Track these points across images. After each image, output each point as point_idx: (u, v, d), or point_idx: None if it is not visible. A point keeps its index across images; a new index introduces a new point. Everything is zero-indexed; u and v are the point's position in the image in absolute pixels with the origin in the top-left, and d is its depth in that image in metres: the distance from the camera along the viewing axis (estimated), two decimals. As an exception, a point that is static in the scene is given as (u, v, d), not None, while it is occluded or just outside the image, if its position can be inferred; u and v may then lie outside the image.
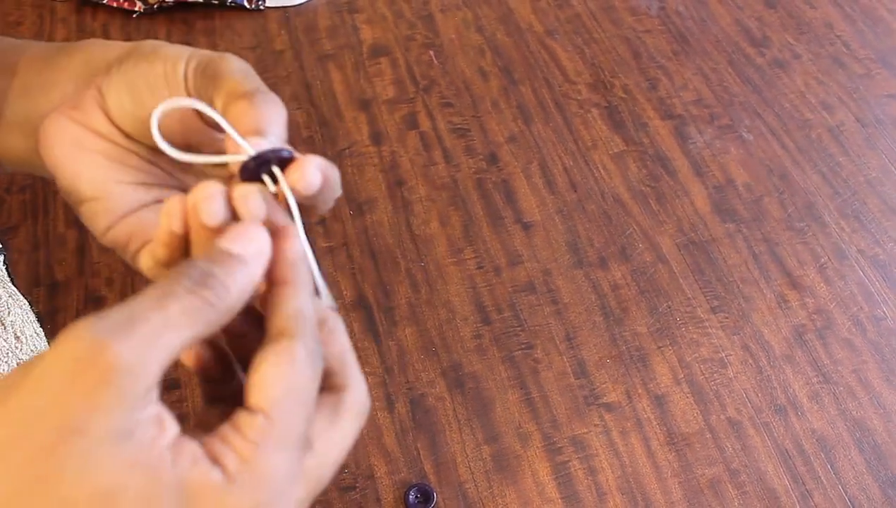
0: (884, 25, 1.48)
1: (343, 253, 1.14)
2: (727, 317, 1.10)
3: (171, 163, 0.44)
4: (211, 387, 0.37)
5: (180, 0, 1.46)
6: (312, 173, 0.37)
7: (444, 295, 1.11)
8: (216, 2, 1.45)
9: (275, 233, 0.36)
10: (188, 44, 0.47)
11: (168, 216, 0.38)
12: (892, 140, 1.31)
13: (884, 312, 1.12)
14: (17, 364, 0.50)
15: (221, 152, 0.41)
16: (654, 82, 1.38)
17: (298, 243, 0.36)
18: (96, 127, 0.42)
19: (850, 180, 1.26)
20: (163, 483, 0.29)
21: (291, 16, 1.46)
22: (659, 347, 1.08)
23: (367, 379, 1.04)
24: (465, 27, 1.45)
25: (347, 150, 1.27)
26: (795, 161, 1.28)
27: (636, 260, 1.16)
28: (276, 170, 0.37)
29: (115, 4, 1.47)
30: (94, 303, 1.10)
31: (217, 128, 0.40)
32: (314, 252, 0.39)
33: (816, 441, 1.00)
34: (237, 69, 0.40)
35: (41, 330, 0.55)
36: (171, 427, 0.30)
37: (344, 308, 1.09)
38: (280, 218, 0.37)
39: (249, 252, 0.34)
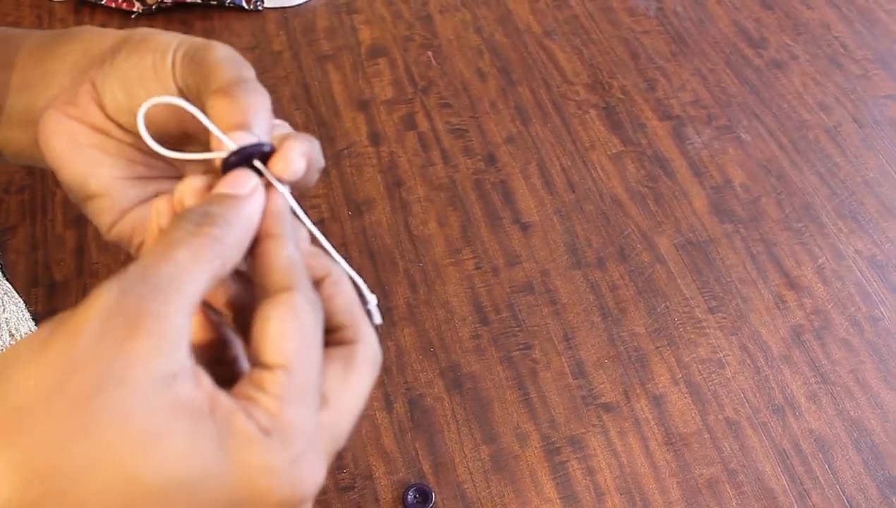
0: (881, 26, 1.49)
1: (341, 253, 1.14)
2: (725, 318, 1.11)
3: (183, 137, 0.44)
4: (214, 369, 0.37)
5: (179, 1, 1.46)
6: (296, 161, 0.38)
7: (443, 296, 1.11)
8: (214, 2, 1.46)
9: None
10: (187, 44, 0.47)
11: (158, 215, 0.38)
12: (889, 141, 1.31)
13: (881, 312, 1.12)
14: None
15: (203, 140, 0.41)
16: (652, 83, 1.38)
17: (281, 197, 0.37)
18: (92, 122, 0.42)
19: (848, 181, 1.26)
20: (206, 431, 0.29)
21: (290, 16, 1.46)
22: (657, 347, 1.08)
23: (366, 380, 1.04)
24: (464, 28, 1.45)
25: (346, 151, 1.27)
26: (793, 161, 1.28)
27: (634, 260, 1.16)
28: (258, 163, 0.37)
29: (113, 5, 1.47)
30: (92, 304, 1.10)
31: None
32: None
33: (814, 441, 1.01)
34: (222, 58, 0.39)
35: (36, 328, 0.55)
36: (206, 380, 0.30)
37: (342, 308, 1.09)
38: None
39: (245, 190, 0.35)
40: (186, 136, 0.42)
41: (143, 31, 0.42)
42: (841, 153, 1.30)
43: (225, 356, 0.37)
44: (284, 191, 0.37)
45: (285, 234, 0.36)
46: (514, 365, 1.06)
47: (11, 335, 0.50)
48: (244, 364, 0.37)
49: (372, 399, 1.02)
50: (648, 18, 1.49)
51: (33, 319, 0.56)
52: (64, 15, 1.47)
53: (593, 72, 1.40)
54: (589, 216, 1.21)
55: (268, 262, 0.35)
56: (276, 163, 0.38)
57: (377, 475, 0.97)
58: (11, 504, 0.26)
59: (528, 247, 1.17)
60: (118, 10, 1.47)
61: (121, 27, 1.45)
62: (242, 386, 0.32)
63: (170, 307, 0.29)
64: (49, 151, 0.42)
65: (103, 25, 1.45)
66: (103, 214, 0.42)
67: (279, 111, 1.26)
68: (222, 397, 0.30)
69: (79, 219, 1.18)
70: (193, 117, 0.41)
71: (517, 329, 1.09)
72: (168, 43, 0.41)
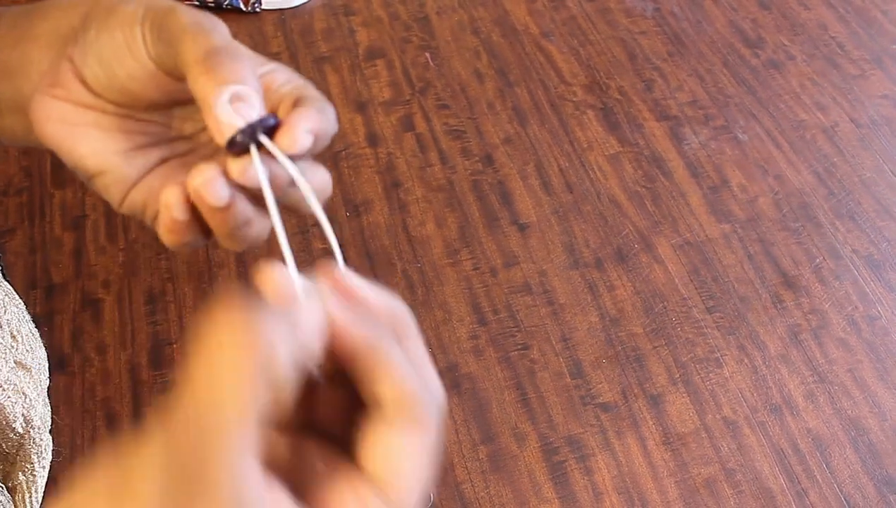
0: (877, 26, 1.49)
1: (339, 254, 1.14)
2: (722, 317, 1.11)
3: (164, 116, 0.43)
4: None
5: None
6: (302, 136, 0.37)
7: (441, 297, 1.12)
8: (212, 4, 1.46)
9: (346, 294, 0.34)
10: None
11: (167, 207, 0.38)
12: (886, 140, 1.32)
13: (878, 312, 1.12)
14: (14, 362, 0.50)
15: (193, 101, 0.41)
16: (650, 83, 1.38)
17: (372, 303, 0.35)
18: (80, 100, 0.41)
19: (845, 180, 1.26)
20: None
21: (287, 18, 1.46)
22: (654, 347, 1.08)
23: (364, 380, 1.04)
24: (461, 29, 1.46)
25: (343, 152, 1.27)
26: (790, 161, 1.28)
27: (632, 260, 1.16)
28: (264, 139, 0.36)
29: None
30: (91, 306, 1.10)
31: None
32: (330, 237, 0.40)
33: (812, 440, 1.01)
34: (188, 25, 0.38)
35: (36, 330, 0.55)
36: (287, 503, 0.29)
37: (340, 309, 1.10)
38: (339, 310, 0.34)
39: (293, 302, 0.32)
40: (170, 101, 0.42)
41: (105, 2, 0.41)
42: (838, 153, 1.30)
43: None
44: (290, 165, 0.37)
45: (390, 349, 0.33)
46: (512, 366, 1.06)
47: (13, 337, 0.51)
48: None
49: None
50: (645, 19, 1.49)
51: (34, 322, 0.56)
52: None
53: (591, 72, 1.40)
54: (587, 216, 1.21)
55: (380, 378, 0.32)
56: (282, 137, 0.37)
57: (375, 475, 0.97)
58: None
59: (526, 247, 1.17)
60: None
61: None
62: (342, 490, 0.30)
63: (226, 457, 0.27)
64: (44, 136, 0.41)
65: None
66: (111, 190, 0.42)
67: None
68: None
69: (77, 222, 1.18)
70: (175, 83, 0.40)
71: (515, 329, 1.09)
72: (134, 15, 0.40)
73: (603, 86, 1.38)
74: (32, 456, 0.54)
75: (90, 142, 0.41)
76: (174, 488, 0.27)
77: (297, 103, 0.39)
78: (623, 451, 0.99)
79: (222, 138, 0.36)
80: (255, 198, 0.39)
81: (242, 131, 0.36)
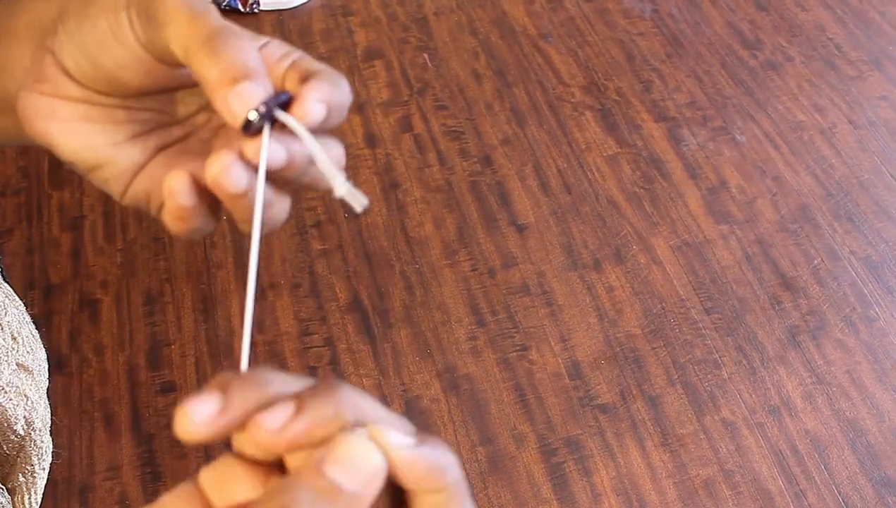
0: (875, 27, 1.49)
1: (338, 255, 1.14)
2: (721, 319, 1.11)
3: (156, 101, 0.42)
4: None
5: (174, 3, 1.46)
6: (314, 107, 0.37)
7: (439, 298, 1.12)
8: (210, 5, 1.46)
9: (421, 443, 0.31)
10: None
11: (173, 194, 0.37)
12: (883, 141, 1.32)
13: (876, 313, 1.12)
14: (16, 364, 0.50)
15: (185, 85, 0.40)
16: (648, 85, 1.39)
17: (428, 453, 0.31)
18: (68, 94, 0.40)
19: (843, 182, 1.27)
20: None
21: (286, 19, 1.46)
22: (653, 348, 1.08)
23: (362, 381, 1.04)
24: (459, 30, 1.46)
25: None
26: (788, 163, 1.29)
27: (630, 261, 1.16)
28: (279, 114, 0.36)
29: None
30: (89, 306, 1.10)
31: (181, 64, 0.39)
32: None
33: (810, 441, 1.01)
34: (180, 7, 0.37)
35: (37, 331, 0.55)
36: None
37: (339, 310, 1.10)
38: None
39: (358, 483, 0.29)
40: (161, 87, 0.41)
41: None
42: (836, 154, 1.30)
43: None
44: (307, 136, 0.37)
45: (453, 489, 0.31)
46: (510, 367, 1.06)
47: (14, 338, 0.50)
48: None
49: (369, 400, 1.02)
50: (644, 20, 1.49)
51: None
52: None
53: (589, 74, 1.40)
54: (585, 218, 1.21)
55: None
56: (297, 110, 0.36)
57: (374, 476, 0.97)
58: None
59: (525, 248, 1.17)
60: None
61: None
62: None
63: None
64: (36, 134, 0.40)
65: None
66: (111, 183, 0.41)
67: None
68: None
69: (74, 222, 1.18)
70: (166, 69, 0.40)
71: (513, 330, 1.09)
72: (117, 1, 0.38)
73: (601, 87, 1.38)
74: (33, 458, 0.54)
75: (83, 137, 0.40)
76: None
77: (306, 77, 0.39)
78: (622, 452, 1.00)
79: (237, 122, 0.36)
80: (273, 180, 0.39)
81: (257, 111, 0.35)
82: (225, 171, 0.36)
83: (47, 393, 0.55)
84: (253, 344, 1.06)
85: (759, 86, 1.39)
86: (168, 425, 1.00)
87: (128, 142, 0.41)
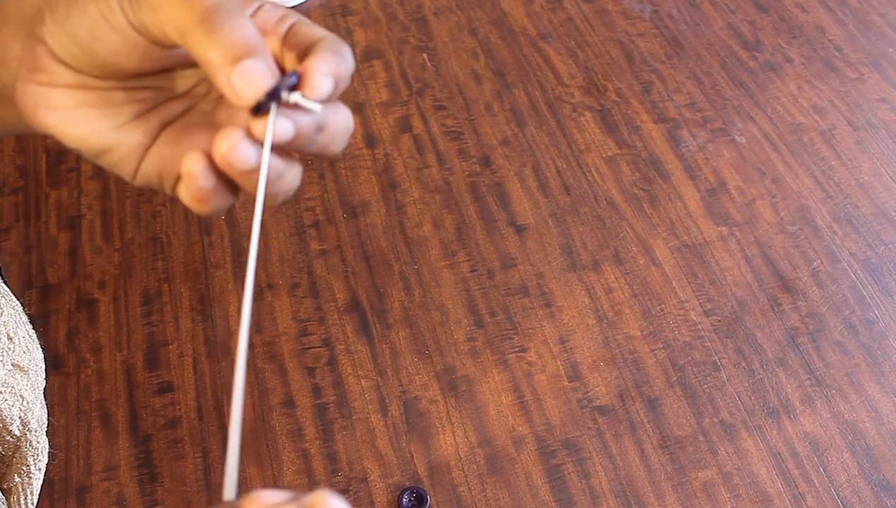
0: (875, 29, 1.49)
1: (336, 255, 1.14)
2: (720, 320, 1.11)
3: (154, 79, 0.42)
4: None
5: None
6: (322, 82, 0.36)
7: (438, 298, 1.11)
8: (209, 4, 1.45)
9: None
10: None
11: (192, 178, 0.37)
12: (883, 143, 1.32)
13: (876, 315, 1.12)
14: (11, 365, 0.50)
15: (183, 65, 0.39)
16: (648, 86, 1.38)
17: None
18: (65, 81, 0.39)
19: (843, 184, 1.26)
20: None
21: (285, 18, 1.46)
22: (652, 350, 1.08)
23: (361, 382, 1.04)
24: (459, 30, 1.45)
25: (340, 153, 1.27)
26: (788, 164, 1.28)
27: (629, 263, 1.16)
28: (287, 96, 0.36)
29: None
30: (86, 306, 1.09)
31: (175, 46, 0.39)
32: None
33: (809, 444, 1.01)
34: None
35: (33, 331, 0.55)
36: None
37: (337, 311, 1.09)
38: None
39: None
40: (159, 68, 0.40)
41: None
42: (835, 156, 1.30)
43: None
44: (317, 108, 0.37)
45: None
46: (509, 368, 1.06)
47: (10, 338, 0.50)
48: None
49: (367, 402, 1.02)
50: (643, 21, 1.49)
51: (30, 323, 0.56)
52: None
53: (588, 74, 1.40)
54: (584, 218, 1.21)
55: None
56: (305, 87, 0.37)
57: (372, 478, 0.96)
58: None
59: (524, 249, 1.17)
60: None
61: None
62: None
63: None
64: (37, 125, 0.40)
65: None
66: (120, 166, 0.41)
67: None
68: None
69: (72, 221, 1.18)
70: (162, 51, 0.39)
71: (512, 331, 1.09)
72: None
73: (600, 88, 1.38)
74: (28, 458, 0.54)
75: (85, 123, 0.40)
76: None
77: (307, 46, 0.38)
78: (620, 454, 0.99)
79: (243, 103, 0.36)
80: (281, 151, 0.39)
81: (267, 94, 0.36)
82: (233, 149, 0.36)
83: (44, 393, 0.54)
84: (251, 345, 1.06)
85: (759, 88, 1.39)
86: (166, 425, 1.00)
87: (130, 123, 0.40)
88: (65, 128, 0.39)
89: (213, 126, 0.39)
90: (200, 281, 1.12)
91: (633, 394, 1.04)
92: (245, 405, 0.99)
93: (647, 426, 1.02)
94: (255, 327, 1.08)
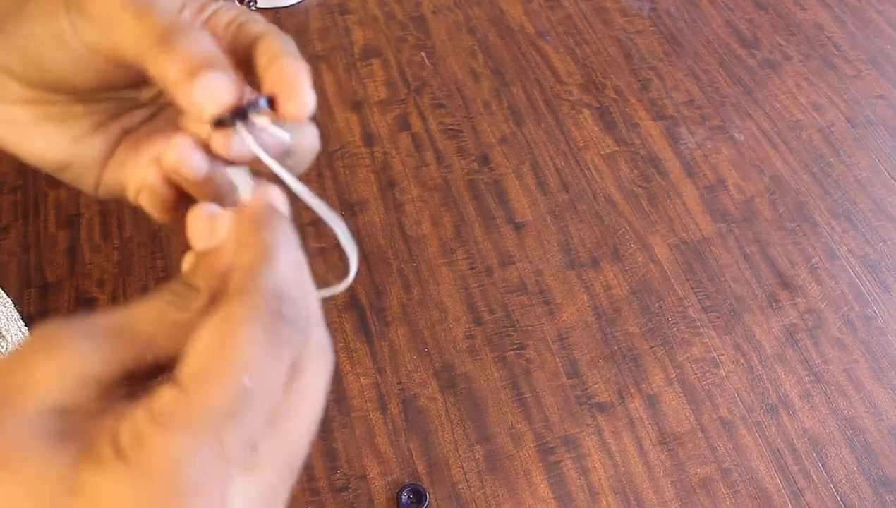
0: (873, 26, 1.49)
1: (335, 254, 1.14)
2: (719, 317, 1.11)
3: (115, 92, 0.41)
4: None
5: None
6: (309, 99, 0.35)
7: (436, 296, 1.11)
8: (207, 3, 1.45)
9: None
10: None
11: (149, 189, 0.36)
12: (881, 140, 1.32)
13: (874, 311, 1.12)
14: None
15: (141, 83, 0.38)
16: (646, 83, 1.38)
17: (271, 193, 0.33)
18: (20, 97, 0.38)
19: (841, 180, 1.26)
20: (59, 455, 0.26)
21: (283, 17, 1.46)
22: (651, 347, 1.08)
23: (360, 380, 1.04)
24: (457, 28, 1.45)
25: (339, 151, 1.27)
26: (786, 161, 1.28)
27: (628, 260, 1.16)
28: (256, 118, 0.34)
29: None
30: (85, 304, 1.09)
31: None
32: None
33: (808, 440, 1.01)
34: (123, 3, 0.34)
35: (26, 328, 0.54)
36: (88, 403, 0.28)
37: (336, 309, 1.09)
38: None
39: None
40: (115, 85, 0.39)
41: None
42: (834, 153, 1.30)
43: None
44: (286, 137, 0.35)
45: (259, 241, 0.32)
46: (508, 365, 1.06)
47: (2, 336, 0.50)
48: None
49: (366, 399, 1.02)
50: (642, 19, 1.49)
51: (23, 320, 0.55)
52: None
53: (587, 72, 1.40)
54: (583, 216, 1.21)
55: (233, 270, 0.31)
56: (288, 104, 0.35)
57: (371, 475, 0.96)
58: None
59: (522, 247, 1.17)
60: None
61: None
62: (135, 405, 0.27)
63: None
64: None
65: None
66: (81, 179, 0.39)
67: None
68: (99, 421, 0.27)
69: (71, 220, 1.18)
70: (117, 69, 0.38)
71: (511, 329, 1.09)
72: (54, 3, 0.36)
73: (599, 86, 1.38)
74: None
75: (42, 138, 0.38)
76: None
77: (278, 71, 0.37)
78: (619, 451, 0.99)
79: (205, 118, 0.34)
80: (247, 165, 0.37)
81: (230, 111, 0.34)
82: (182, 159, 0.34)
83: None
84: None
85: (758, 85, 1.39)
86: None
87: (90, 134, 0.39)
88: (24, 144, 0.38)
89: (175, 131, 0.38)
90: (199, 280, 1.12)
91: (632, 391, 1.04)
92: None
93: (646, 422, 1.02)
94: (254, 325, 1.08)
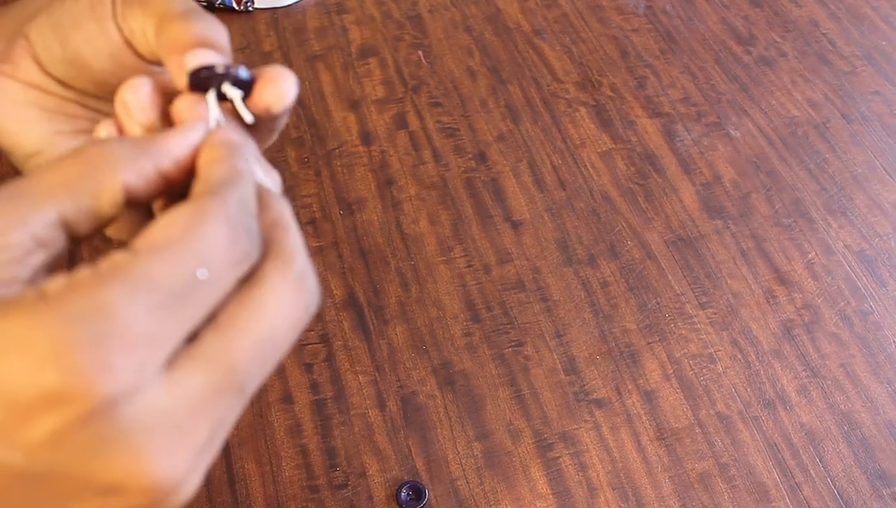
0: (868, 22, 1.50)
1: (333, 252, 1.14)
2: (716, 313, 1.11)
3: (109, 106, 0.42)
4: None
5: (168, 2, 1.46)
6: (290, 89, 0.35)
7: (434, 294, 1.12)
8: (205, 4, 1.46)
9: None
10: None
11: (128, 108, 0.37)
12: (877, 136, 1.32)
13: (871, 306, 1.12)
14: None
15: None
16: (642, 81, 1.39)
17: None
18: (28, 78, 0.40)
19: (837, 176, 1.27)
20: None
21: (280, 17, 1.46)
22: (648, 343, 1.08)
23: (359, 378, 1.04)
24: (454, 27, 1.46)
25: (337, 150, 1.27)
26: (782, 157, 1.29)
27: (625, 257, 1.17)
28: (228, 89, 0.34)
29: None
30: (84, 305, 1.09)
31: (155, 62, 0.39)
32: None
33: (805, 434, 1.01)
34: None
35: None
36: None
37: (335, 307, 1.10)
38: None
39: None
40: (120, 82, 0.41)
41: None
42: (830, 149, 1.30)
43: None
44: (249, 118, 0.35)
45: (226, 150, 0.33)
46: (505, 362, 1.06)
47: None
48: None
49: (364, 397, 1.03)
50: (637, 16, 1.49)
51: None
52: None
53: (583, 70, 1.40)
54: (579, 213, 1.21)
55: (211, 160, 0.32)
56: (267, 90, 0.36)
57: (370, 472, 0.97)
58: None
59: (520, 244, 1.17)
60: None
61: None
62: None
63: None
64: None
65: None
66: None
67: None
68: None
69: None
70: (132, 67, 0.39)
71: (509, 326, 1.09)
72: None
73: (595, 84, 1.38)
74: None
75: (31, 122, 0.40)
76: None
77: (265, 66, 0.38)
78: (617, 447, 1.00)
79: (186, 70, 0.34)
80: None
81: (209, 69, 0.34)
82: (134, 96, 0.35)
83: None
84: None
85: (753, 82, 1.40)
86: (164, 422, 1.00)
87: (72, 134, 0.40)
88: (7, 120, 0.39)
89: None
90: (198, 279, 1.12)
91: (630, 387, 1.05)
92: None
93: (644, 418, 1.02)
94: (253, 324, 1.08)
